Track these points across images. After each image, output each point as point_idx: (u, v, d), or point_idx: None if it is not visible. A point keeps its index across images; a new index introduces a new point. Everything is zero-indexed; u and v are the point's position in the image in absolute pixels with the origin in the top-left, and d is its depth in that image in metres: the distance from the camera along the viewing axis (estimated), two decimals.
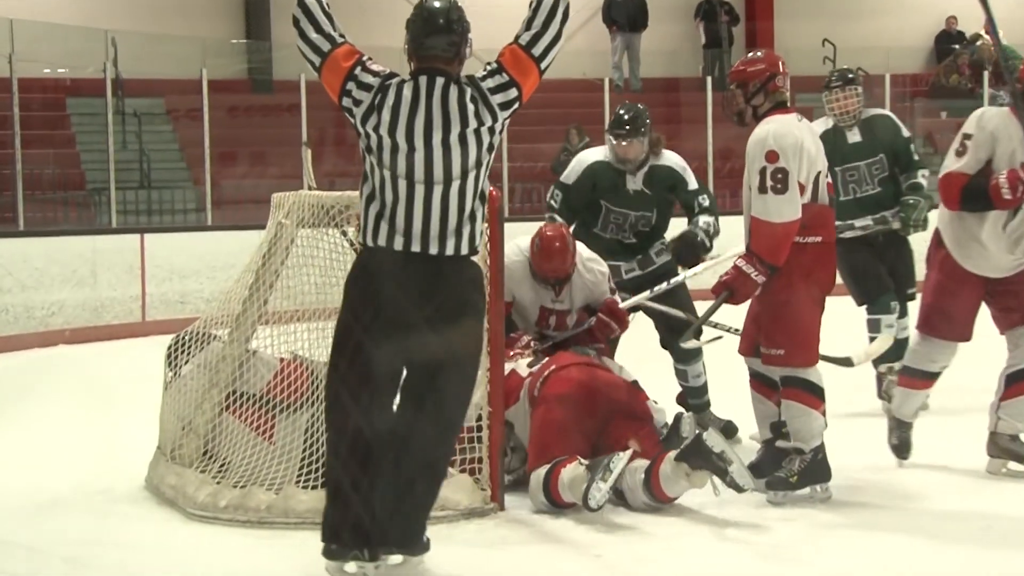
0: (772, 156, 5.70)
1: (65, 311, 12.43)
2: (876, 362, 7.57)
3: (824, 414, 5.88)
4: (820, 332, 5.91)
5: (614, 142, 7.04)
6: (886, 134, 7.84)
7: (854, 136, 7.80)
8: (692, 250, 7.05)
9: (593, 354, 6.40)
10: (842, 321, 6.79)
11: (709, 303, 6.06)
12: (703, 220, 7.10)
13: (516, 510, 5.78)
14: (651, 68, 19.62)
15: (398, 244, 4.69)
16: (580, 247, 6.63)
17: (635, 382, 6.22)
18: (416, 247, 4.68)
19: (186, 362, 6.38)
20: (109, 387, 9.70)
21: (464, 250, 4.74)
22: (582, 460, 5.64)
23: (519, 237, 6.60)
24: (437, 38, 4.78)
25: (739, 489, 5.57)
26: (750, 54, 6.20)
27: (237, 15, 19.36)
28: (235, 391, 6.08)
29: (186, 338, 6.46)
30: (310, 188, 6.60)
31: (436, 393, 4.72)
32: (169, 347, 6.52)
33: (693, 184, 7.14)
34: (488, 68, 4.83)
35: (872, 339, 7.44)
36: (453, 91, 4.74)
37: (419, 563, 4.84)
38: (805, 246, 5.79)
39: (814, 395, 5.83)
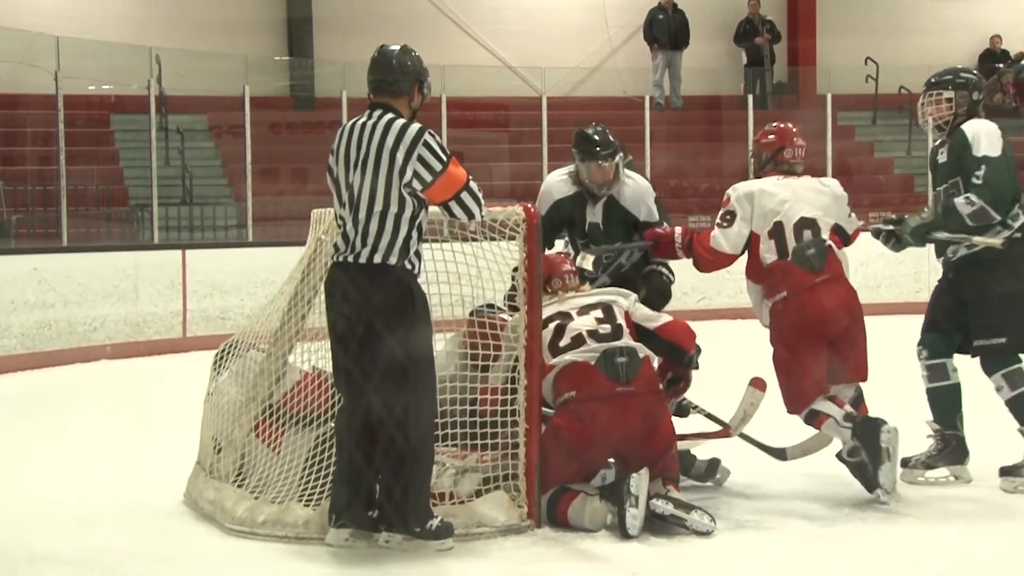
0: (726, 200, 6.46)
1: (107, 326, 12.51)
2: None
3: (842, 407, 6.17)
4: (813, 373, 6.25)
5: (592, 164, 6.61)
6: (959, 151, 6.51)
7: (943, 155, 6.59)
8: (662, 297, 6.65)
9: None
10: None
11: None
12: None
13: (552, 527, 5.76)
14: (692, 86, 19.61)
15: (336, 257, 5.48)
16: None
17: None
18: (341, 258, 5.42)
19: (225, 369, 6.43)
20: (149, 402, 9.76)
21: (377, 259, 5.34)
22: (588, 491, 5.73)
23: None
24: (383, 74, 5.52)
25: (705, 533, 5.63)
26: (768, 125, 6.69)
27: (280, 32, 19.46)
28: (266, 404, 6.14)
29: (231, 346, 6.50)
30: None
31: (372, 389, 5.37)
32: (216, 355, 6.57)
33: (654, 215, 6.71)
34: (439, 154, 5.39)
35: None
36: (393, 128, 5.40)
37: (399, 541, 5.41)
38: (774, 306, 6.35)
39: (824, 413, 6.20)
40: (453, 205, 5.48)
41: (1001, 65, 20.40)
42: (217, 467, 6.17)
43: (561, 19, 20.26)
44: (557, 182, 6.81)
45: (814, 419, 6.21)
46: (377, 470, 5.39)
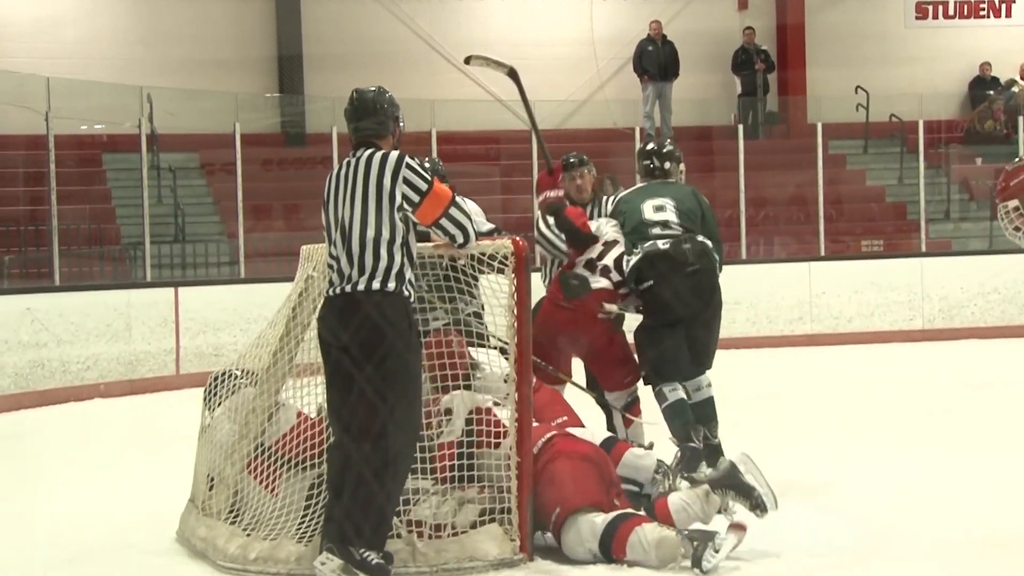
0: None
1: (100, 365, 12.49)
2: None
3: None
4: None
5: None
6: None
7: None
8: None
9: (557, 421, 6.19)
10: None
11: None
12: None
13: (545, 560, 5.74)
14: (683, 117, 19.59)
15: (331, 291, 5.57)
16: None
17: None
18: (335, 291, 5.49)
19: (219, 404, 6.41)
20: (143, 440, 9.73)
21: (376, 286, 5.41)
22: (665, 526, 5.59)
23: None
24: (366, 121, 5.71)
25: (763, 510, 5.78)
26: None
27: (270, 69, 19.48)
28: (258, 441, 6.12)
29: (222, 377, 6.49)
30: None
31: (347, 412, 5.42)
32: (207, 387, 6.56)
33: None
34: (423, 174, 5.58)
35: None
36: (376, 158, 5.56)
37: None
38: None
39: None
40: (445, 223, 5.63)
41: (991, 92, 20.44)
42: (209, 504, 6.15)
43: (550, 52, 20.29)
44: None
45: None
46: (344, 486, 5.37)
